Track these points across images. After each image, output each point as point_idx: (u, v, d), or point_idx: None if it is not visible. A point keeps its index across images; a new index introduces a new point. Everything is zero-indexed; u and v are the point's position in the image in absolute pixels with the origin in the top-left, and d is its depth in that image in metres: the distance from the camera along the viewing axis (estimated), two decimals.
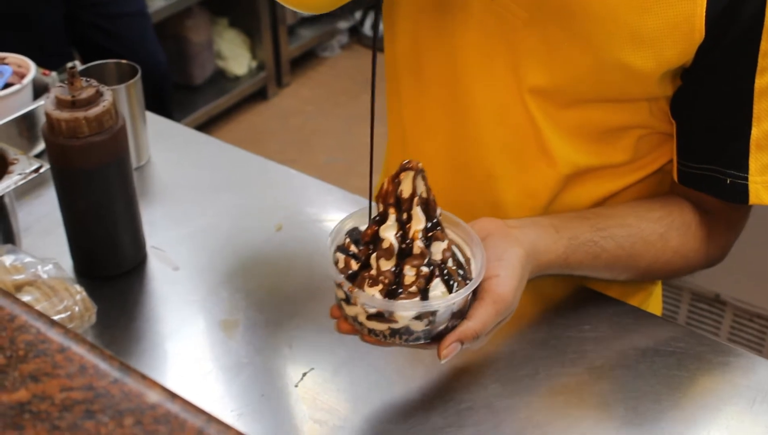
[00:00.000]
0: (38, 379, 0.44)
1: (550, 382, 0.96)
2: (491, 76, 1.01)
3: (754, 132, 0.94)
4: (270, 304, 1.06)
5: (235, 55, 3.48)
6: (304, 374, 0.96)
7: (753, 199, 0.97)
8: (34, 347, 0.46)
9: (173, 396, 0.43)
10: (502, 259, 0.88)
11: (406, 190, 0.82)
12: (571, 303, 1.06)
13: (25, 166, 1.04)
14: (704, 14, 0.88)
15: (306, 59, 3.84)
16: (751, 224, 1.25)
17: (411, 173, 0.82)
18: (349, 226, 0.89)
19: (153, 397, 0.43)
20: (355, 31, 3.99)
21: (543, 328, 1.02)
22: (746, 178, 0.96)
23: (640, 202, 1.06)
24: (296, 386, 0.95)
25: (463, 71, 1.03)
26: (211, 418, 0.42)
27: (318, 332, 1.01)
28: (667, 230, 1.02)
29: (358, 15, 3.93)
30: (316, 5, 1.00)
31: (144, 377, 0.44)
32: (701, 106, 0.97)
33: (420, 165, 0.82)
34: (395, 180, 0.83)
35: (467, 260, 0.88)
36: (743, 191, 0.97)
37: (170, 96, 2.77)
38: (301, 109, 3.57)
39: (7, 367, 0.45)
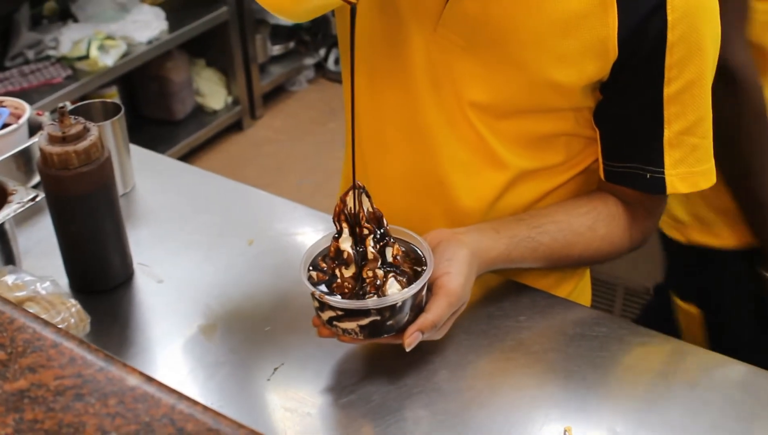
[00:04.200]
0: (35, 370, 0.47)
1: (492, 366, 1.00)
2: (439, 95, 1.05)
3: (666, 133, 1.00)
4: (243, 309, 1.08)
5: (212, 92, 3.49)
6: (276, 369, 0.99)
7: (670, 189, 1.03)
8: (31, 344, 0.49)
9: (149, 379, 0.46)
10: (452, 259, 0.94)
11: (354, 206, 0.89)
12: (508, 298, 1.09)
13: (23, 196, 1.06)
14: (616, 37, 0.95)
15: (277, 93, 3.86)
16: None
17: (355, 192, 0.89)
18: (319, 247, 0.95)
19: (132, 381, 0.46)
20: (320, 67, 4.02)
21: (484, 321, 1.05)
22: (663, 172, 1.02)
23: (567, 201, 1.10)
24: (268, 380, 0.98)
25: (414, 92, 1.06)
26: (182, 396, 0.46)
27: (287, 332, 1.04)
28: (594, 222, 1.06)
29: (322, 52, 3.96)
30: (291, 13, 1.02)
31: (125, 365, 0.47)
32: (620, 114, 1.02)
33: (361, 184, 0.90)
34: (343, 199, 0.90)
35: (417, 261, 0.93)
36: (661, 184, 1.03)
37: None
38: (274, 138, 3.60)
39: (8, 361, 0.47)
